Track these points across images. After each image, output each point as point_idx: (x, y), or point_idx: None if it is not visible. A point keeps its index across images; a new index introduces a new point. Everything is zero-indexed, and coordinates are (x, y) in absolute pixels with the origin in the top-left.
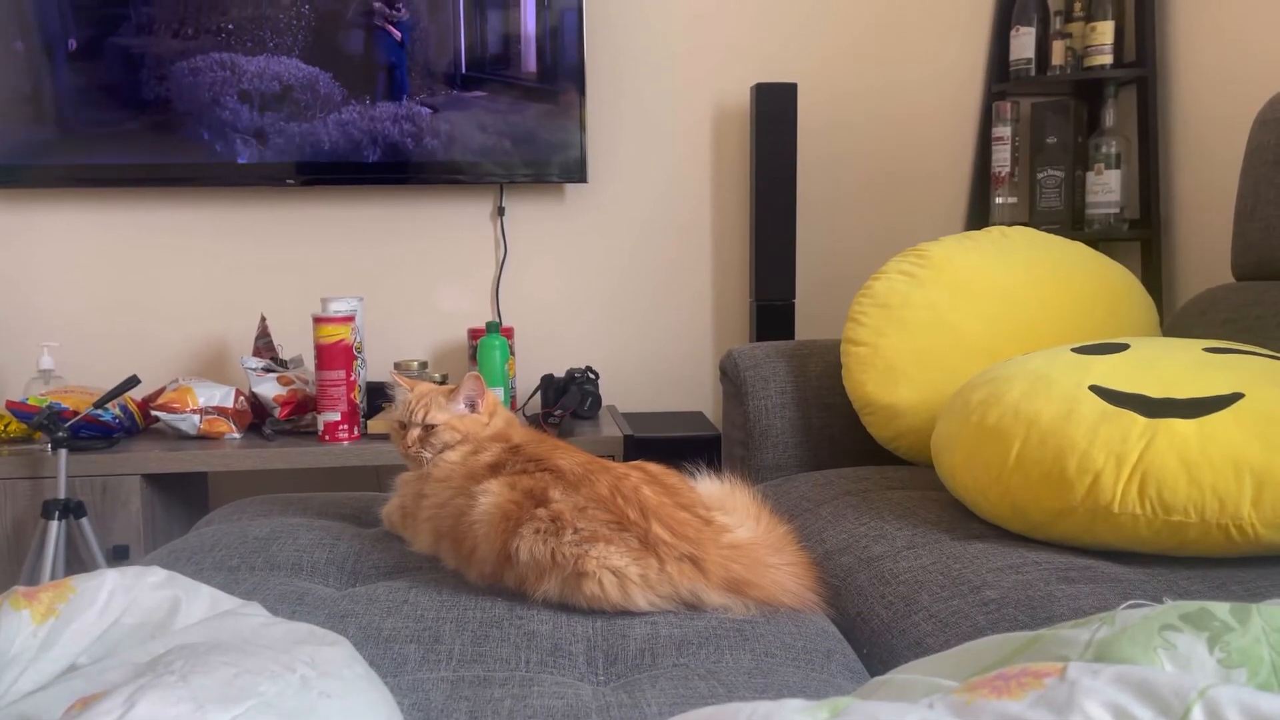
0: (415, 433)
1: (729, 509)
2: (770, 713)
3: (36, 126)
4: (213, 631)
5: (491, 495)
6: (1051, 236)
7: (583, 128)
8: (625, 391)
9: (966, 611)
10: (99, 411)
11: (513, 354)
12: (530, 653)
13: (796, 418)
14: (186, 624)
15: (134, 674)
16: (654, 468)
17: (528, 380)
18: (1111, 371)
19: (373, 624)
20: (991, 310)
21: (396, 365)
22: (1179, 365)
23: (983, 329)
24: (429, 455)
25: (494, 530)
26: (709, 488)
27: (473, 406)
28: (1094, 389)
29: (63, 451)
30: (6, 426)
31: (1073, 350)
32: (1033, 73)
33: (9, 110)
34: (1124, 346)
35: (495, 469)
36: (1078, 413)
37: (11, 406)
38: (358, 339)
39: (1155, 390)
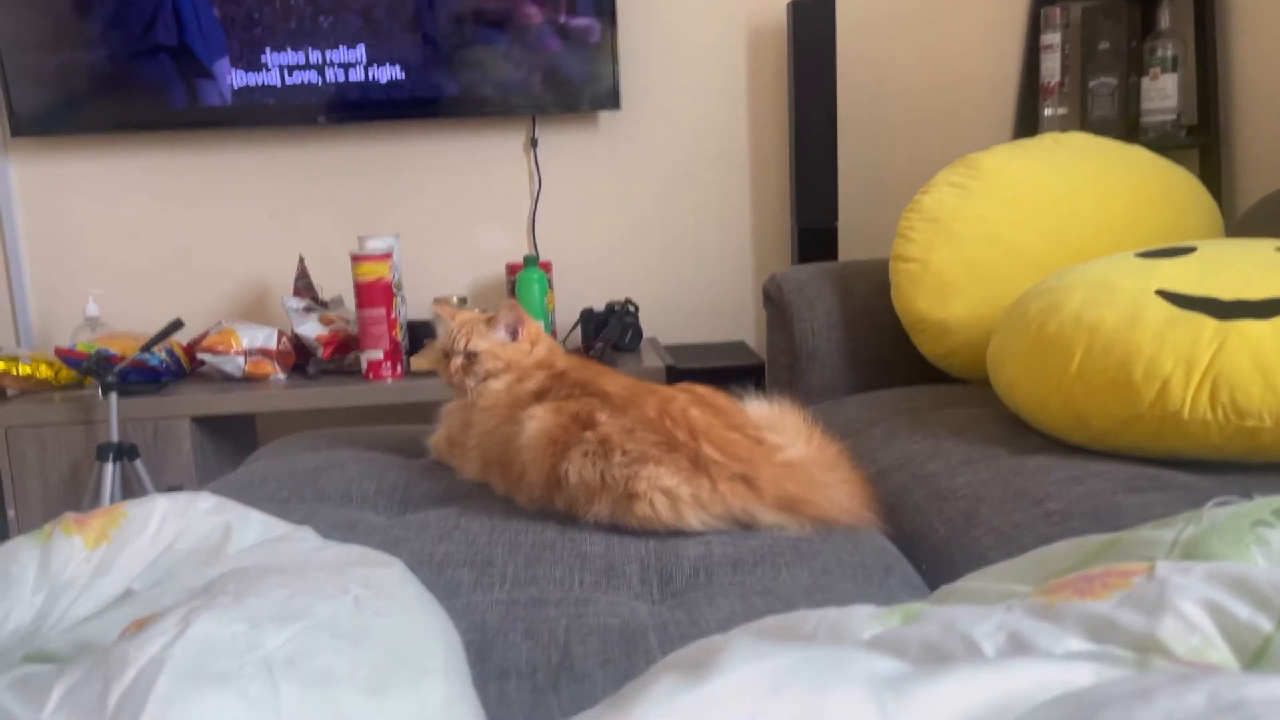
0: (458, 361)
1: (779, 429)
2: (840, 619)
3: (72, 74)
4: (266, 556)
5: (538, 420)
6: (1108, 141)
7: (614, 53)
8: (666, 323)
9: (1030, 524)
10: (145, 356)
11: (551, 288)
12: (584, 574)
13: (844, 339)
14: (239, 549)
15: (189, 597)
16: (701, 390)
17: (567, 314)
18: (1179, 274)
19: (424, 550)
20: (1047, 220)
21: (437, 300)
22: (1250, 265)
23: (1038, 240)
24: (472, 383)
25: (542, 455)
26: (758, 409)
27: (514, 334)
28: (1161, 293)
29: (113, 395)
30: (57, 374)
31: (1136, 255)
32: None
33: (44, 59)
34: (1191, 249)
35: (540, 395)
36: (1144, 318)
37: (61, 353)
38: (396, 276)
39: (1226, 292)
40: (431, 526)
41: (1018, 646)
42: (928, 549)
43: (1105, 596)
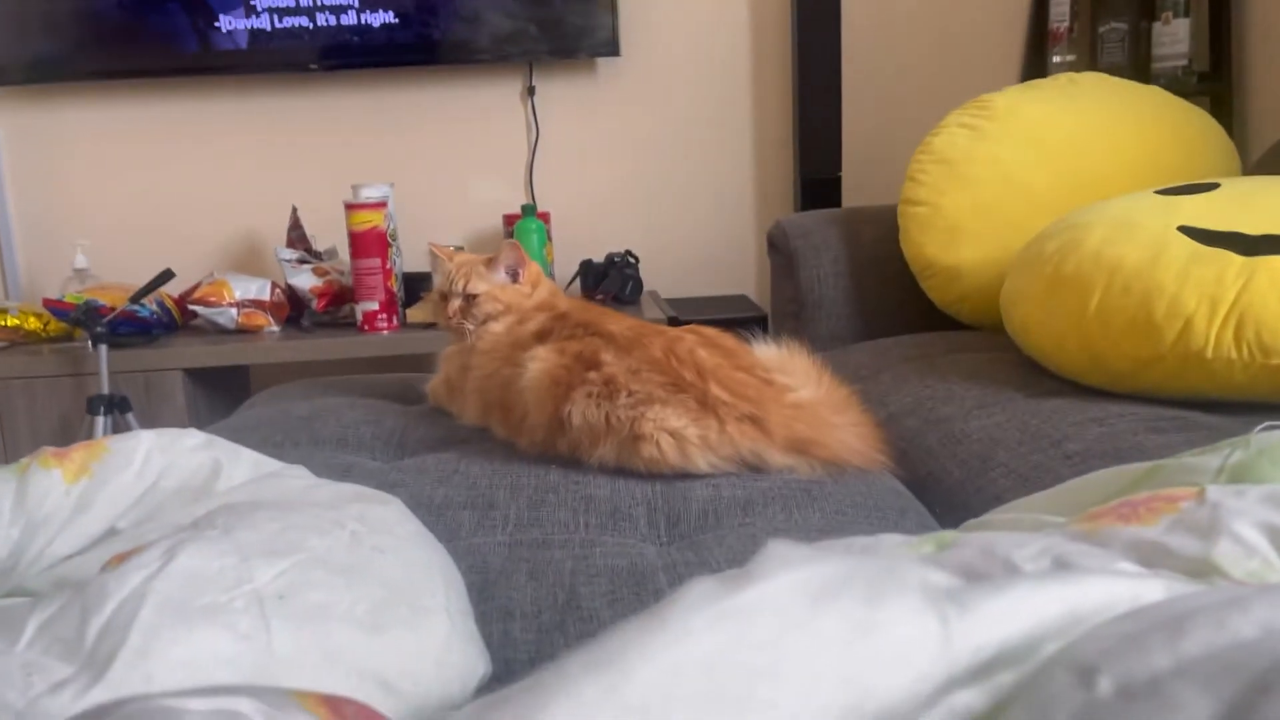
0: (456, 303)
1: (788, 372)
2: (869, 547)
3: (58, 21)
4: (257, 492)
5: (540, 361)
6: (1123, 82)
7: None
8: (667, 275)
9: (1049, 465)
10: (136, 307)
11: (550, 239)
12: (589, 516)
13: (850, 287)
14: (229, 486)
15: (175, 532)
16: (708, 331)
17: (566, 266)
18: (1202, 211)
19: (423, 493)
20: (1062, 161)
21: (433, 243)
22: (1277, 200)
23: (1053, 181)
24: (471, 326)
25: (545, 396)
26: (766, 353)
27: (514, 276)
28: (1184, 230)
29: (103, 347)
30: (46, 325)
31: (1157, 192)
32: None
33: (28, 6)
34: (1214, 185)
35: (542, 336)
36: (1166, 255)
37: (49, 304)
38: (391, 226)
39: (1252, 227)
40: (430, 470)
41: (1064, 570)
42: (943, 492)
43: (1152, 522)
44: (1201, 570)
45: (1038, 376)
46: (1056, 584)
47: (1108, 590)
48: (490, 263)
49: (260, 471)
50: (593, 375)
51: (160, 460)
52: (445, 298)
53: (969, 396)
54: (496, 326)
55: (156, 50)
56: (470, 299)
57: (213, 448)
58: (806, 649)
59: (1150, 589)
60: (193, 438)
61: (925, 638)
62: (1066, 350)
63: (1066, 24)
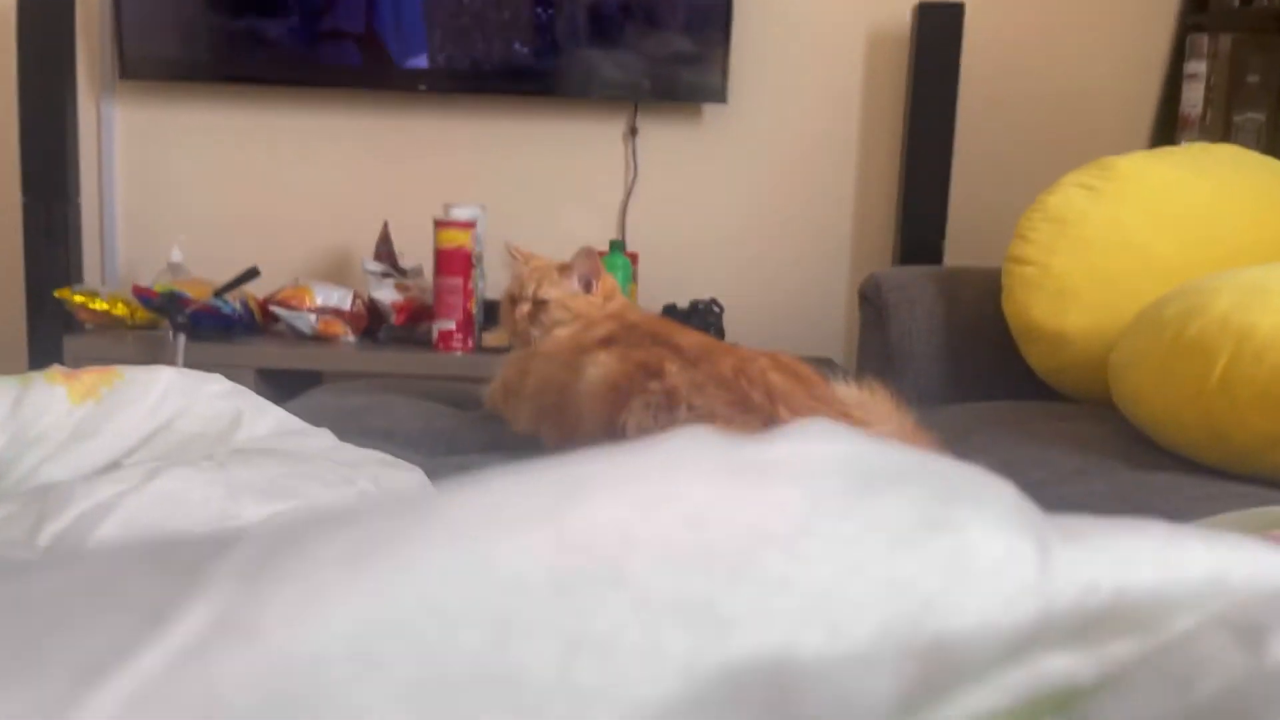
0: (525, 307)
1: (868, 411)
2: None
3: (186, 22)
4: (274, 444)
5: (600, 366)
6: (1263, 156)
7: (726, 44)
8: (751, 328)
9: None
10: (218, 303)
11: (635, 280)
12: None
13: (943, 346)
14: (249, 438)
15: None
16: (785, 357)
17: (649, 308)
18: None
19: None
20: (1189, 231)
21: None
22: None
23: (1178, 251)
24: (537, 333)
25: (601, 403)
26: (845, 391)
27: (587, 286)
28: None
29: (181, 337)
30: (134, 313)
31: None
32: (1236, 4)
33: (169, 7)
34: None
35: (607, 343)
36: None
37: (137, 291)
38: (478, 248)
39: None
40: (472, 469)
41: (1213, 532)
42: None
43: None
44: None
45: (1145, 449)
46: (1201, 542)
47: (1271, 562)
48: (565, 270)
49: (285, 428)
50: (654, 385)
51: (178, 400)
52: (515, 301)
53: (1066, 463)
54: (562, 332)
55: (278, 60)
56: (540, 305)
57: (237, 396)
58: (846, 528)
59: None
60: (218, 383)
61: (1014, 558)
62: (1182, 422)
63: (1199, 110)
